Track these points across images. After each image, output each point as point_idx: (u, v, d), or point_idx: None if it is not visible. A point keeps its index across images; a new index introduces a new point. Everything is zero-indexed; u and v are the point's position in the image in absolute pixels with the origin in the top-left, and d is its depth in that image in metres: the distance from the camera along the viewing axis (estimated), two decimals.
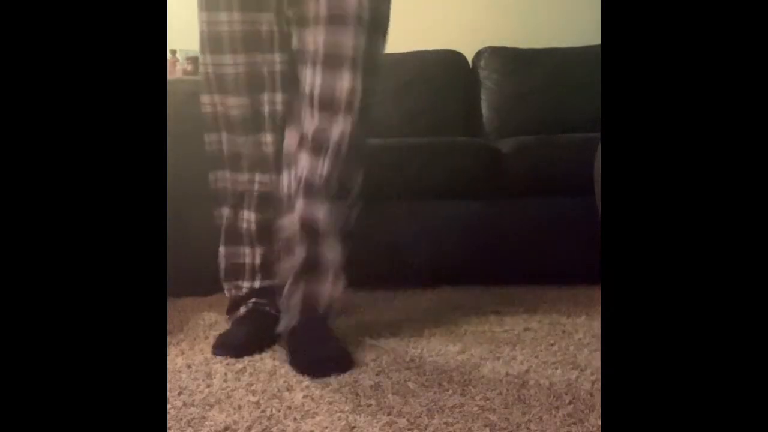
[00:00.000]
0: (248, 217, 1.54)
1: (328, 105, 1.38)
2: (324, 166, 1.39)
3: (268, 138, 1.48)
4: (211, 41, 1.45)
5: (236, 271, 1.57)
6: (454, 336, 1.51)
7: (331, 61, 1.37)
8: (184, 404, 1.13)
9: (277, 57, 1.45)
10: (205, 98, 1.52)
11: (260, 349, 1.43)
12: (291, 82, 1.46)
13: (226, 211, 1.57)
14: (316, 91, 1.38)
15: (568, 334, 1.51)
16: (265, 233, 1.51)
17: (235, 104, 1.47)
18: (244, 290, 1.56)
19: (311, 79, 1.39)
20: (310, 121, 1.40)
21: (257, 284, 1.55)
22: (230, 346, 1.43)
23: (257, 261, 1.55)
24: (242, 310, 1.56)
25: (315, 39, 1.38)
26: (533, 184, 2.03)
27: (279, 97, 1.46)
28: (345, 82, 1.37)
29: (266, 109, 1.47)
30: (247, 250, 1.56)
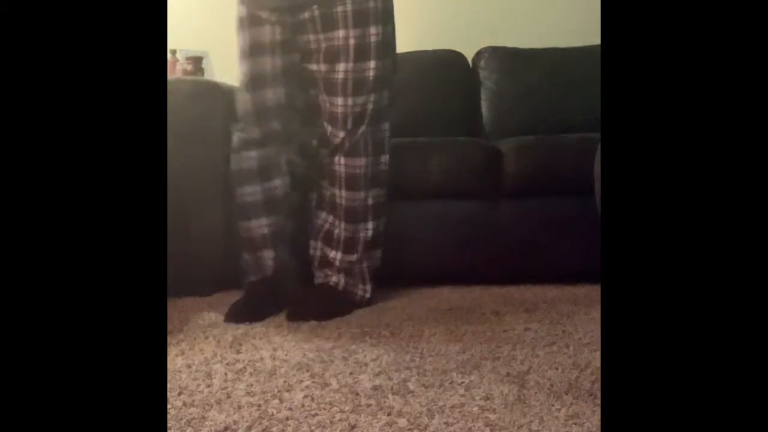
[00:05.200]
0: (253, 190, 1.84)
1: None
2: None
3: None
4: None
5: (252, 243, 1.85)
6: (454, 336, 1.51)
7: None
8: (184, 404, 1.13)
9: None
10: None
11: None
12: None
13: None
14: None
15: (568, 334, 1.51)
16: (273, 204, 1.83)
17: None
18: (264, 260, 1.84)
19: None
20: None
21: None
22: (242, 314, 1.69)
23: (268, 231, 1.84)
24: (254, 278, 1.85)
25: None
26: (533, 184, 2.03)
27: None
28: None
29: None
30: (264, 221, 1.84)
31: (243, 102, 1.82)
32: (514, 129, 2.45)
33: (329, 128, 1.79)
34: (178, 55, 2.78)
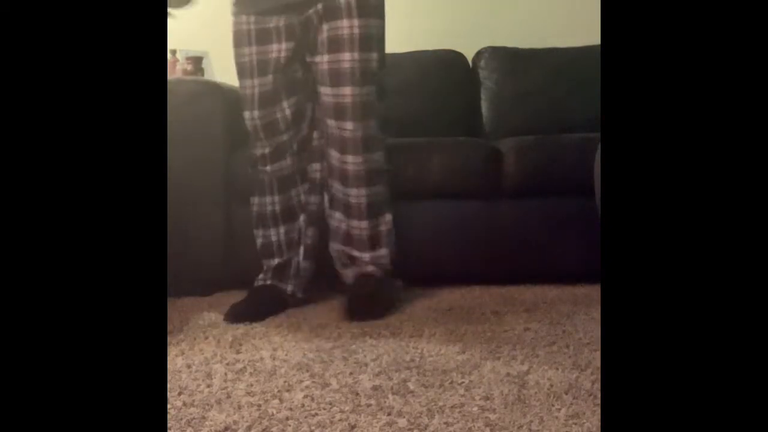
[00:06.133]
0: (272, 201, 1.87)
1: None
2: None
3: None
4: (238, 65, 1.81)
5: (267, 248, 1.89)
6: (454, 336, 1.51)
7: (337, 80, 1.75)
8: (184, 404, 1.13)
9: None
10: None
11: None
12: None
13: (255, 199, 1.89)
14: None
15: (568, 334, 1.51)
16: (290, 212, 1.87)
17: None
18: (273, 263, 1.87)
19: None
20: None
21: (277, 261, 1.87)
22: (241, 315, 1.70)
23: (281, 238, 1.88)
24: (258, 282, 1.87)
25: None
26: (533, 184, 2.03)
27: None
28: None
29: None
30: (272, 231, 1.88)
31: (251, 119, 1.81)
32: (514, 129, 2.45)
33: (333, 122, 1.76)
34: (178, 55, 2.78)
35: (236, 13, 1.78)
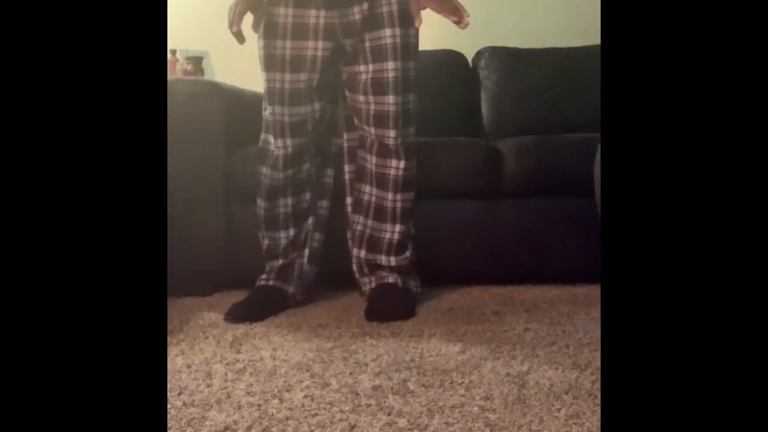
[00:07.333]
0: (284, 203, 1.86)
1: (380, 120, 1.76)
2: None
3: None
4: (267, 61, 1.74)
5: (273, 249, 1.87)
6: (454, 336, 1.51)
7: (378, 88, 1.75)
8: (184, 404, 1.13)
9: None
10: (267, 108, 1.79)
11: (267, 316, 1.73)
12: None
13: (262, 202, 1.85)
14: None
15: (568, 334, 1.51)
16: (300, 215, 1.86)
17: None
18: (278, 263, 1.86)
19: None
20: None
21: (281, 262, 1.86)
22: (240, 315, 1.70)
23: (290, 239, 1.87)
24: (260, 283, 1.85)
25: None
26: (533, 184, 2.03)
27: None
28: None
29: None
30: (282, 233, 1.86)
31: (278, 114, 1.74)
32: (514, 129, 2.45)
33: (374, 129, 1.77)
34: (178, 55, 2.78)
35: (272, 4, 1.71)
